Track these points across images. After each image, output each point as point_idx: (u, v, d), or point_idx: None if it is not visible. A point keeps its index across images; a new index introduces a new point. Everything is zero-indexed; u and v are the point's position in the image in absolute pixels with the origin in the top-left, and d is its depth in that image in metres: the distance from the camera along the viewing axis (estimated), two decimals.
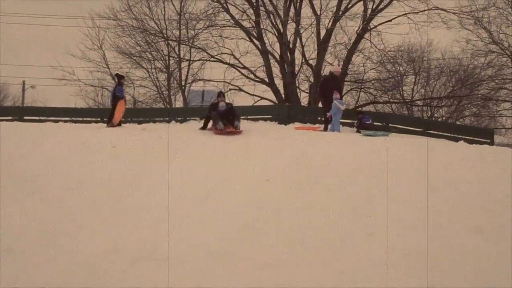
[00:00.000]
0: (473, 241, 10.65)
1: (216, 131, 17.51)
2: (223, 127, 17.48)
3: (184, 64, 34.99)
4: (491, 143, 22.90)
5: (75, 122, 22.82)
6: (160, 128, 19.82)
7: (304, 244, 10.53)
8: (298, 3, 30.94)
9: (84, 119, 24.72)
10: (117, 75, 22.29)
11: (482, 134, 24.30)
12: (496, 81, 34.46)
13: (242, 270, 9.53)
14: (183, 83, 35.60)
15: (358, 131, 21.32)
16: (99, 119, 24.85)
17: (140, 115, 26.36)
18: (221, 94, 19.29)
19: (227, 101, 20.11)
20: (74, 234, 10.94)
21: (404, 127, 23.69)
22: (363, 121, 22.09)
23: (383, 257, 10.04)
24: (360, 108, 30.24)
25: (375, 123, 22.81)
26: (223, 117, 17.98)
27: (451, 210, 11.89)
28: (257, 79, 31.54)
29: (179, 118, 24.88)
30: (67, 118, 24.20)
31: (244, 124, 21.59)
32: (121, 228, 11.18)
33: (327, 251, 10.28)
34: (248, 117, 23.90)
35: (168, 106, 35.49)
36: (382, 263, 9.85)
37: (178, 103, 36.60)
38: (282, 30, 30.26)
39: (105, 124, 20.31)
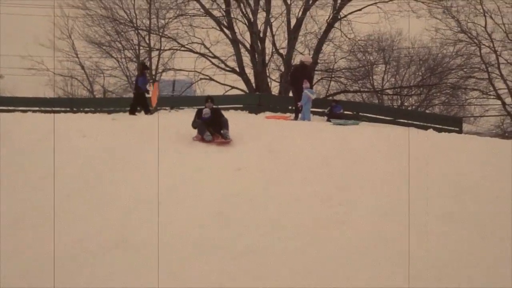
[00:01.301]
0: (445, 228, 10.77)
1: (203, 142, 15.51)
2: (211, 138, 15.48)
3: (155, 54, 34.80)
4: (460, 131, 23.14)
5: (44, 112, 22.58)
6: (130, 117, 19.73)
7: (278, 232, 10.57)
8: None
9: (54, 109, 24.47)
10: (142, 64, 22.31)
11: (451, 123, 24.54)
12: (465, 70, 34.83)
13: (217, 258, 9.54)
14: (153, 72, 35.41)
15: (328, 120, 21.41)
16: (68, 109, 24.66)
17: (110, 104, 26.18)
18: (208, 100, 16.81)
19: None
20: (47, 224, 10.85)
21: (374, 115, 23.84)
22: (334, 110, 22.20)
23: (356, 245, 10.12)
24: (331, 97, 30.31)
25: (345, 112, 22.92)
26: (209, 125, 15.80)
27: (422, 198, 11.99)
28: (227, 69, 31.50)
29: (151, 108, 24.76)
30: (36, 108, 23.95)
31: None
32: (94, 217, 11.13)
33: (300, 240, 10.32)
34: (219, 106, 23.87)
35: None
36: (356, 250, 9.93)
37: None
38: (252, 19, 30.19)
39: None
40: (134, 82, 21.96)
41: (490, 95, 34.75)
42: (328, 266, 9.37)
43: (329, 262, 9.52)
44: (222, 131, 15.67)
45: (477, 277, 9.05)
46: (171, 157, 14.23)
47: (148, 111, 21.02)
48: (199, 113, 16.21)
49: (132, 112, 21.11)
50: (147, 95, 21.14)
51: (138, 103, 21.34)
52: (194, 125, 15.92)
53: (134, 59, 35.58)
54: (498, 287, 8.87)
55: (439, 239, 10.31)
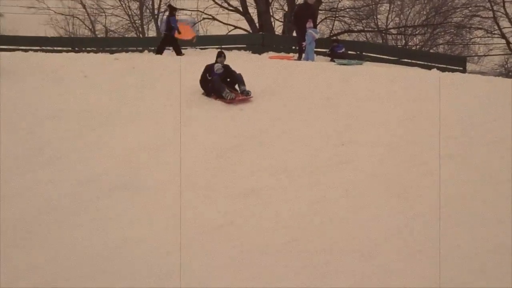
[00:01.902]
0: (444, 167, 10.81)
1: (225, 101, 14.09)
2: (233, 96, 14.03)
3: None
4: (464, 70, 23.02)
5: (46, 51, 22.45)
6: (133, 57, 19.64)
7: (282, 172, 10.63)
8: None
9: (55, 48, 24.33)
10: (169, 6, 22.11)
11: (455, 62, 24.38)
12: (470, 8, 34.41)
13: (220, 199, 9.62)
14: (156, 12, 35.09)
15: (332, 60, 21.30)
16: (70, 49, 24.53)
17: (112, 44, 26.03)
18: (222, 55, 15.14)
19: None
20: (49, 166, 10.92)
21: (378, 55, 23.69)
22: (335, 49, 22.05)
23: (359, 185, 10.18)
24: (334, 37, 30.06)
25: (349, 52, 22.78)
26: (221, 81, 14.53)
27: (425, 139, 12.01)
28: (230, 8, 31.15)
29: (152, 48, 24.63)
30: (37, 48, 23.81)
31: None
32: (98, 158, 11.17)
33: (305, 179, 10.39)
34: (222, 46, 23.73)
35: (140, 35, 35.04)
36: (358, 190, 9.99)
37: (151, 33, 36.15)
38: None
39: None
40: (164, 22, 21.69)
41: (494, 34, 34.38)
42: (330, 206, 9.44)
43: (331, 202, 9.58)
44: (240, 87, 14.39)
45: (477, 216, 9.12)
46: (175, 96, 14.22)
47: (179, 52, 20.86)
48: (208, 69, 14.61)
49: (160, 51, 20.93)
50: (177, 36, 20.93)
51: (168, 44, 21.16)
52: (206, 84, 14.46)
53: None
54: (496, 226, 8.93)
55: (441, 178, 10.35)
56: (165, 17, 23.99)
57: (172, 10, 21.57)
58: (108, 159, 11.17)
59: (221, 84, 14.20)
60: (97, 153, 11.42)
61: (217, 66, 14.58)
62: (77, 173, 10.57)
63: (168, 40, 21.09)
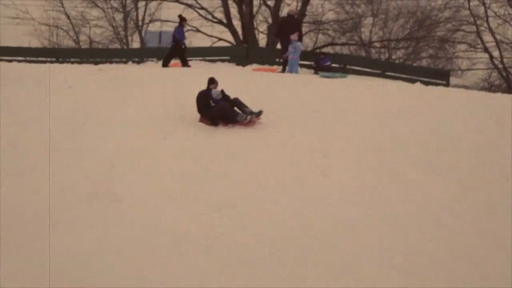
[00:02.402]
0: (424, 178, 10.88)
1: (241, 124, 13.38)
2: (249, 118, 13.32)
3: (141, 4, 34.40)
4: (447, 84, 23.14)
5: (30, 62, 22.36)
6: (117, 68, 19.60)
7: (260, 185, 10.61)
8: None
9: (39, 59, 24.23)
10: (179, 16, 21.99)
11: (439, 76, 24.50)
12: (453, 22, 34.68)
13: (197, 211, 9.58)
14: (140, 23, 35.09)
15: (316, 73, 21.36)
16: (54, 59, 24.43)
17: (96, 55, 25.97)
18: (215, 81, 14.07)
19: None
20: (27, 174, 10.84)
21: (362, 68, 23.77)
22: (321, 62, 22.11)
23: (340, 197, 10.19)
24: (318, 50, 30.17)
25: (333, 65, 22.85)
26: None
27: (405, 150, 12.09)
28: (215, 20, 31.21)
29: (136, 59, 24.61)
30: (21, 58, 23.70)
31: (202, 65, 21.52)
32: (76, 168, 11.11)
33: (283, 192, 10.37)
34: (206, 58, 23.76)
35: (125, 46, 35.00)
36: (339, 202, 10.00)
37: (135, 44, 36.11)
38: None
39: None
40: (172, 34, 21.61)
41: (477, 48, 34.67)
42: (311, 218, 9.42)
43: (312, 214, 9.57)
44: (245, 110, 13.52)
45: (454, 223, 9.18)
46: (158, 108, 14.22)
47: (186, 64, 20.60)
48: (207, 96, 13.64)
49: (165, 64, 20.75)
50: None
51: (174, 56, 20.96)
52: (210, 111, 13.47)
53: (121, 9, 35.20)
54: (475, 231, 8.99)
55: (420, 189, 10.41)
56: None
57: (182, 20, 21.42)
58: (86, 169, 11.12)
59: (232, 109, 13.51)
60: (78, 162, 11.35)
61: (216, 92, 13.69)
62: (54, 182, 10.49)
63: (175, 52, 20.88)
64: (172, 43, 21.04)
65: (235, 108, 13.52)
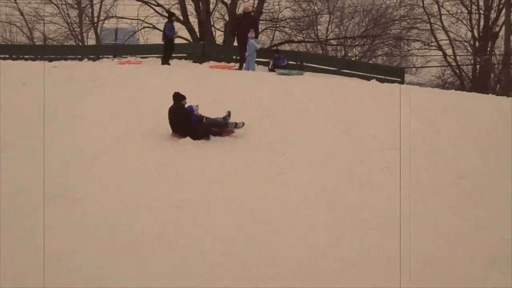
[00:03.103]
0: (384, 179, 10.94)
1: (229, 134, 13.03)
2: (240, 126, 13.06)
3: (96, 1, 34.08)
4: (402, 81, 23.41)
5: None
6: (71, 65, 19.38)
7: (219, 183, 10.58)
8: None
9: None
10: (168, 12, 21.84)
11: (394, 73, 24.77)
12: (408, 20, 35.13)
13: (157, 209, 9.53)
14: (95, 20, 34.73)
15: (272, 70, 21.40)
16: (7, 56, 24.07)
17: (50, 52, 25.66)
18: (185, 97, 12.86)
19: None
20: None
21: (318, 66, 23.91)
22: (277, 62, 22.14)
23: (297, 196, 10.21)
24: (275, 47, 30.23)
25: (290, 62, 22.92)
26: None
27: (363, 150, 12.16)
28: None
29: (92, 56, 24.39)
30: None
31: (158, 62, 21.41)
32: (32, 169, 10.93)
33: (242, 190, 10.35)
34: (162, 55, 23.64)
35: (80, 43, 34.63)
36: (296, 201, 10.01)
37: (91, 41, 35.76)
38: None
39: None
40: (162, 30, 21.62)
41: (431, 46, 35.17)
42: (269, 216, 9.42)
43: (269, 212, 9.57)
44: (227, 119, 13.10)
45: (416, 224, 9.25)
46: (115, 107, 14.10)
47: (165, 62, 20.78)
48: (188, 113, 12.73)
49: (165, 61, 20.82)
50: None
51: (171, 50, 21.09)
52: (195, 127, 12.73)
53: (75, 6, 34.81)
54: (433, 230, 9.08)
55: (379, 190, 10.48)
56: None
57: (170, 16, 21.46)
58: (43, 169, 10.94)
59: (217, 121, 13.02)
60: (33, 163, 11.17)
61: (195, 107, 12.92)
62: (12, 183, 10.32)
63: (170, 46, 21.00)
64: (164, 39, 21.09)
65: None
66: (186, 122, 12.63)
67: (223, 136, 12.90)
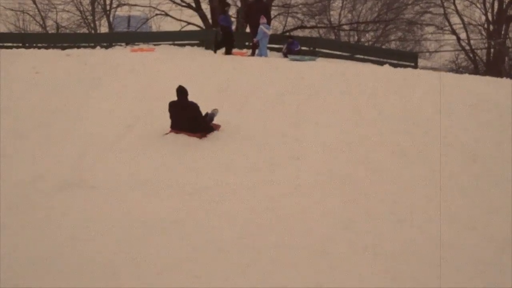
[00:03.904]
0: (397, 164, 10.93)
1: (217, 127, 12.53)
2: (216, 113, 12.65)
3: None
4: (415, 66, 23.34)
5: None
6: (84, 53, 19.42)
7: (232, 169, 10.59)
8: None
9: (5, 44, 23.94)
10: (221, 2, 21.92)
11: (407, 58, 24.69)
12: (421, 5, 34.92)
13: (170, 196, 9.56)
14: (108, 7, 34.74)
15: (285, 56, 21.38)
16: (20, 44, 24.15)
17: (63, 40, 25.72)
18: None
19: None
20: None
21: (331, 51, 23.85)
22: (291, 47, 22.11)
23: (310, 181, 10.21)
24: (287, 33, 30.15)
25: (302, 48, 22.89)
26: None
27: (377, 134, 12.13)
28: (183, 4, 31.00)
29: (105, 44, 24.42)
30: None
31: (171, 49, 21.43)
32: (47, 156, 10.99)
33: (255, 176, 10.36)
34: (175, 42, 23.67)
35: (92, 31, 34.68)
36: (310, 186, 10.02)
37: (103, 29, 35.78)
38: None
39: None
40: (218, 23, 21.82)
41: (445, 30, 34.98)
42: (282, 202, 9.43)
43: (283, 198, 9.59)
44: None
45: (428, 209, 9.24)
46: (128, 94, 14.13)
47: (229, 52, 20.86)
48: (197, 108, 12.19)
49: (228, 51, 20.91)
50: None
51: (227, 41, 21.14)
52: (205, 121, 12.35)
53: None
54: (448, 216, 9.06)
55: (392, 175, 10.46)
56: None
57: (224, 6, 21.83)
58: (57, 156, 11.01)
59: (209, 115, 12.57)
60: (46, 151, 11.23)
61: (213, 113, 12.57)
62: (26, 170, 10.38)
63: (225, 37, 21.12)
64: (221, 32, 21.31)
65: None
66: (198, 116, 12.05)
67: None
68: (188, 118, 11.97)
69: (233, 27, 21.71)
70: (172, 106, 12.12)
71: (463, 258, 7.86)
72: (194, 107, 12.07)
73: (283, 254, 7.84)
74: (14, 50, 20.03)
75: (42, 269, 7.39)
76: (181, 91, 12.06)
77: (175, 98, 12.04)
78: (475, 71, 31.82)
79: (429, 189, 9.87)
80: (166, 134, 12.04)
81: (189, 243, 8.10)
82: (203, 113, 12.28)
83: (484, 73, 29.26)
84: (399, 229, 8.60)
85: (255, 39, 20.63)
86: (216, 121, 12.48)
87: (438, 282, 7.23)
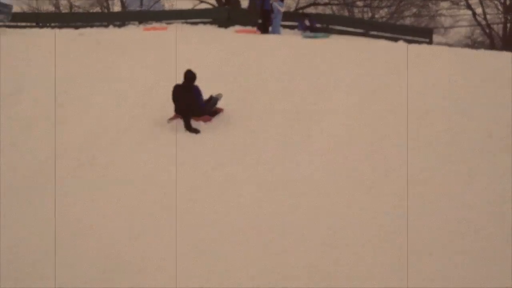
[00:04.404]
0: (404, 152, 10.66)
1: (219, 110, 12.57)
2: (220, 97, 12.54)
3: None
4: (430, 42, 23.14)
5: (9, 27, 22.06)
6: (98, 32, 19.39)
7: (241, 158, 10.56)
8: None
9: (18, 24, 23.92)
10: None
11: (422, 34, 24.47)
12: None
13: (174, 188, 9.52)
14: None
15: (304, 30, 21.26)
16: (34, 24, 24.16)
17: (76, 19, 25.69)
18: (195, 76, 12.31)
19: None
20: (9, 150, 10.73)
21: (344, 28, 23.68)
22: (311, 23, 21.99)
23: (320, 164, 10.18)
24: (301, 10, 29.94)
25: (316, 25, 22.77)
26: None
27: (390, 116, 11.96)
28: None
29: (118, 23, 24.36)
30: (0, 23, 23.39)
31: (184, 28, 21.33)
32: (60, 137, 11.03)
33: (262, 167, 10.28)
34: (188, 20, 23.55)
35: (105, 10, 34.64)
36: (321, 170, 9.99)
37: (116, 8, 35.75)
38: None
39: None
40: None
41: (460, 5, 34.64)
42: (289, 194, 9.31)
43: (292, 180, 9.56)
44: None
45: (435, 198, 9.13)
46: (140, 75, 14.11)
47: (264, 31, 20.82)
48: (200, 91, 12.21)
49: (265, 30, 20.88)
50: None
51: (266, 20, 21.12)
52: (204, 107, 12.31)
53: None
54: (454, 200, 8.98)
55: (402, 163, 10.24)
56: None
57: None
58: (70, 138, 11.06)
59: (212, 104, 12.52)
60: (60, 133, 11.27)
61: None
62: (39, 152, 10.45)
63: (263, 17, 21.07)
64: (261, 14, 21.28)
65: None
66: (195, 101, 12.03)
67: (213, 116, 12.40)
68: (187, 102, 11.97)
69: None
70: (176, 89, 12.15)
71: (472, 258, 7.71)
72: (196, 91, 12.06)
73: (292, 245, 7.80)
74: (28, 29, 20.01)
75: (53, 248, 7.45)
76: (188, 76, 12.09)
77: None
78: (492, 46, 31.53)
79: (437, 178, 9.70)
80: (171, 119, 12.05)
81: (198, 233, 8.09)
82: (207, 96, 12.27)
83: (501, 48, 28.99)
84: (409, 220, 8.42)
85: (272, 16, 20.58)
86: (220, 105, 12.52)
87: (445, 278, 7.14)
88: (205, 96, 12.25)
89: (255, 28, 22.33)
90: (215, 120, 12.13)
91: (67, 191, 9.20)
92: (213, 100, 12.41)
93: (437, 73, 13.94)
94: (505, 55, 16.61)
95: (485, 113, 11.88)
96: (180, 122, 11.77)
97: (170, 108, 12.22)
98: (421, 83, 13.35)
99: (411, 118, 11.67)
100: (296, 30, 22.47)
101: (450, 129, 11.27)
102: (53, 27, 22.51)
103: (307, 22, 22.38)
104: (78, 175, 9.77)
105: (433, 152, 10.50)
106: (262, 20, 21.04)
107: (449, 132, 11.17)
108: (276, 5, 20.33)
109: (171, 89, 12.18)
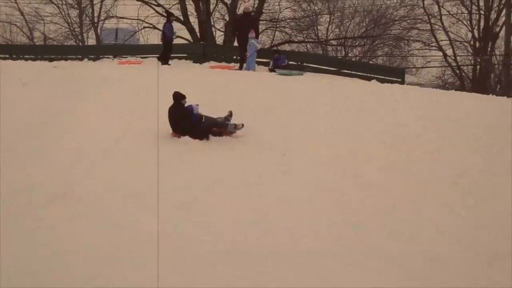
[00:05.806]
0: (384, 177, 10.95)
1: (230, 133, 12.95)
2: (240, 127, 12.94)
3: (97, 1, 34.05)
4: (402, 82, 23.42)
5: None
6: (72, 65, 19.37)
7: (220, 183, 10.58)
8: None
9: None
10: (166, 12, 22.05)
11: (394, 74, 24.75)
12: (408, 21, 35.14)
13: (159, 210, 9.49)
14: (95, 20, 34.74)
15: (273, 70, 21.38)
16: (7, 56, 24.07)
17: (51, 52, 25.65)
18: (184, 96, 12.89)
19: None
20: None
21: (318, 66, 23.89)
22: (278, 62, 22.11)
23: (297, 195, 10.21)
24: (275, 47, 30.21)
25: (290, 62, 22.90)
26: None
27: (364, 148, 12.16)
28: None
29: (92, 56, 24.38)
30: None
31: (158, 62, 21.36)
32: (35, 168, 10.94)
33: (243, 190, 10.36)
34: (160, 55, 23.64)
35: (80, 43, 34.64)
36: (298, 200, 10.02)
37: (91, 41, 35.76)
38: None
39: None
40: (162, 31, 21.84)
41: (432, 46, 35.19)
42: (270, 215, 9.43)
43: (271, 212, 9.59)
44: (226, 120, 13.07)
45: (416, 222, 9.27)
46: (116, 106, 14.09)
47: (162, 60, 20.96)
48: (187, 111, 12.75)
49: (165, 61, 20.97)
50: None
51: (168, 51, 21.28)
52: (194, 126, 12.67)
53: (76, 6, 34.80)
54: (434, 230, 9.08)
55: (380, 189, 10.47)
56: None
57: (169, 16, 21.98)
58: (46, 168, 10.96)
59: (218, 121, 12.97)
60: (34, 162, 11.18)
61: (195, 107, 12.87)
62: (14, 182, 10.33)
63: (166, 48, 21.21)
64: (163, 40, 21.36)
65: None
66: (186, 121, 12.62)
67: (222, 136, 12.86)
68: (179, 122, 12.64)
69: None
70: (168, 110, 12.77)
71: (451, 272, 7.87)
72: (181, 112, 12.68)
73: (272, 268, 7.82)
74: (1, 61, 19.92)
75: (28, 281, 7.34)
76: (174, 96, 12.80)
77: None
78: (462, 88, 32.02)
79: (417, 204, 9.89)
80: (171, 134, 12.67)
81: (176, 256, 8.07)
82: (202, 117, 12.80)
83: (471, 90, 29.43)
84: (387, 243, 8.59)
85: (247, 54, 20.60)
86: None
87: None
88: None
89: (230, 64, 22.50)
90: (194, 142, 12.35)
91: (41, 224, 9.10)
92: (209, 120, 12.84)
93: (409, 113, 14.12)
94: (474, 96, 16.92)
95: (455, 153, 12.03)
96: (160, 148, 11.79)
97: (146, 137, 12.40)
98: (392, 121, 13.52)
99: (382, 152, 11.86)
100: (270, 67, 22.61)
101: (420, 167, 11.40)
102: (26, 59, 22.44)
103: (276, 56, 22.45)
104: (53, 207, 9.66)
105: (405, 187, 10.62)
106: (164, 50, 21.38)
107: (420, 170, 11.28)
108: (253, 42, 20.48)
109: (145, 119, 12.30)
